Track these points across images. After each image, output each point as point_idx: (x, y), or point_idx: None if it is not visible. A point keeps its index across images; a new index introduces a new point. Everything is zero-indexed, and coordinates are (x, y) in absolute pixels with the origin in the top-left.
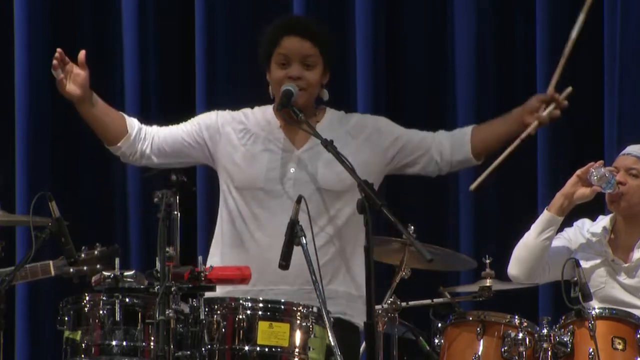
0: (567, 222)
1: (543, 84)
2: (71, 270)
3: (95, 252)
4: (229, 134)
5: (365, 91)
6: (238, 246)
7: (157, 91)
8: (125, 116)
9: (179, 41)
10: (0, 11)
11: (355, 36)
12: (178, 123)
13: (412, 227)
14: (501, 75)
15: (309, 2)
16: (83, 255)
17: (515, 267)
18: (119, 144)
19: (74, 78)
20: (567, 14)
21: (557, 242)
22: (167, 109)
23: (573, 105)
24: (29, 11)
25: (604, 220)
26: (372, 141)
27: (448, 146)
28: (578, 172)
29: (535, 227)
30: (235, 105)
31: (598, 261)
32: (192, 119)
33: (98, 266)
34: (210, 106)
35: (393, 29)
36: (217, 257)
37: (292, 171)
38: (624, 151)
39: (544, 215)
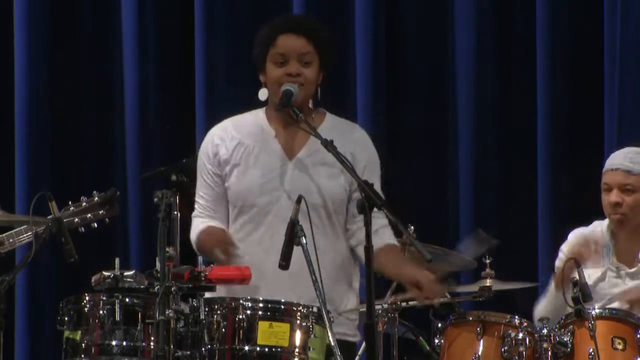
0: (567, 223)
1: (543, 83)
2: (76, 220)
3: (96, 199)
4: (227, 156)
5: (365, 91)
6: (235, 258)
7: (157, 91)
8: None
9: (179, 41)
10: (0, 11)
11: (355, 36)
12: (177, 124)
13: (412, 227)
14: (501, 75)
15: (308, 2)
16: (84, 204)
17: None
18: None
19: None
20: (567, 14)
21: None
22: (167, 109)
23: (573, 105)
24: (29, 11)
25: (601, 227)
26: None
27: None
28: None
29: (548, 299)
30: (235, 105)
31: (599, 274)
32: (203, 173)
33: (101, 212)
34: (210, 106)
35: (393, 29)
36: None
37: (286, 184)
38: (610, 164)
39: (552, 290)
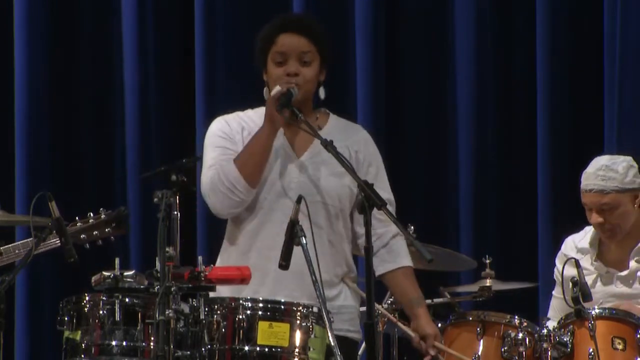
0: (567, 223)
1: (543, 84)
2: (82, 236)
3: (102, 216)
4: (239, 142)
5: (364, 92)
6: (240, 257)
7: (157, 91)
8: None
9: (179, 41)
10: (0, 11)
11: (355, 36)
12: (177, 124)
13: (412, 227)
14: (501, 75)
15: (308, 2)
16: (92, 220)
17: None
18: (254, 189)
19: None
20: (567, 14)
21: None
22: (167, 109)
23: (573, 106)
24: (28, 11)
25: (589, 235)
26: (360, 172)
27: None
28: None
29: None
30: (235, 105)
31: (590, 282)
32: (225, 143)
33: (108, 230)
34: (210, 106)
35: (393, 29)
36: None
37: (293, 182)
38: (585, 184)
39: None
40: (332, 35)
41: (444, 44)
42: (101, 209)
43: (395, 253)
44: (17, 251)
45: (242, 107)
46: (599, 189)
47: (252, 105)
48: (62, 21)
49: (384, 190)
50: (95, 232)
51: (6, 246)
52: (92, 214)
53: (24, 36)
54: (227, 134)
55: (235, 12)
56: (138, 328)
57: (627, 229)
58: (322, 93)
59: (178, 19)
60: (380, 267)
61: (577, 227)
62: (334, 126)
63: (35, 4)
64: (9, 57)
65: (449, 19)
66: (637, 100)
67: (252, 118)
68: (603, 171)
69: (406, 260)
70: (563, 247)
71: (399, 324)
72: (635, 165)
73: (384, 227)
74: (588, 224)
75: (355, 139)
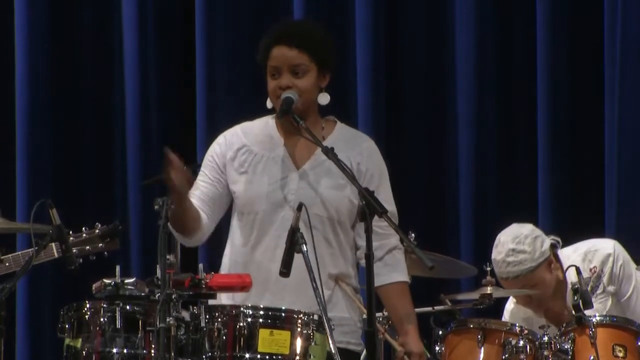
0: (568, 226)
1: (543, 84)
2: (74, 250)
3: (97, 231)
4: (233, 160)
5: (365, 91)
6: (240, 268)
7: (157, 92)
8: (200, 213)
9: (179, 42)
10: (0, 12)
11: (355, 36)
12: (177, 125)
13: (413, 235)
14: (501, 74)
15: (308, 2)
16: (85, 235)
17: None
18: (191, 238)
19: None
20: (567, 14)
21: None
22: (167, 109)
23: (573, 106)
24: (28, 11)
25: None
26: (361, 184)
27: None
28: None
29: None
30: (235, 105)
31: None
32: (205, 168)
33: (101, 245)
34: (210, 107)
35: (393, 30)
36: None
37: (291, 193)
38: (498, 272)
39: None
40: (332, 35)
41: (444, 44)
42: (96, 223)
43: (390, 267)
44: (18, 261)
45: (243, 106)
46: (514, 276)
47: (252, 104)
48: (62, 21)
49: (386, 202)
50: (87, 247)
51: (7, 255)
52: (86, 228)
53: (25, 39)
54: (217, 155)
55: (236, 12)
56: (139, 335)
57: (552, 291)
58: (323, 99)
59: (178, 19)
60: (374, 280)
61: (577, 230)
62: (339, 135)
63: (35, 4)
64: (10, 60)
65: (449, 19)
66: (637, 101)
67: (254, 130)
68: (512, 257)
69: (401, 276)
70: (509, 317)
71: (386, 335)
72: (539, 232)
73: (381, 239)
74: (597, 233)
75: (358, 150)
